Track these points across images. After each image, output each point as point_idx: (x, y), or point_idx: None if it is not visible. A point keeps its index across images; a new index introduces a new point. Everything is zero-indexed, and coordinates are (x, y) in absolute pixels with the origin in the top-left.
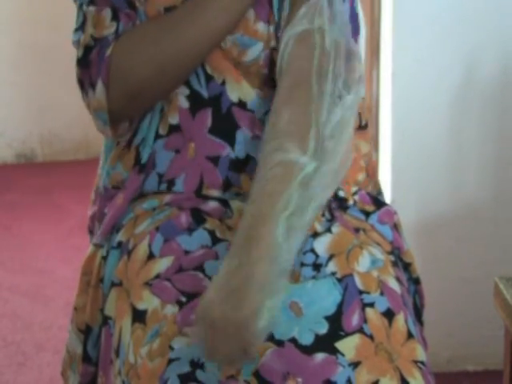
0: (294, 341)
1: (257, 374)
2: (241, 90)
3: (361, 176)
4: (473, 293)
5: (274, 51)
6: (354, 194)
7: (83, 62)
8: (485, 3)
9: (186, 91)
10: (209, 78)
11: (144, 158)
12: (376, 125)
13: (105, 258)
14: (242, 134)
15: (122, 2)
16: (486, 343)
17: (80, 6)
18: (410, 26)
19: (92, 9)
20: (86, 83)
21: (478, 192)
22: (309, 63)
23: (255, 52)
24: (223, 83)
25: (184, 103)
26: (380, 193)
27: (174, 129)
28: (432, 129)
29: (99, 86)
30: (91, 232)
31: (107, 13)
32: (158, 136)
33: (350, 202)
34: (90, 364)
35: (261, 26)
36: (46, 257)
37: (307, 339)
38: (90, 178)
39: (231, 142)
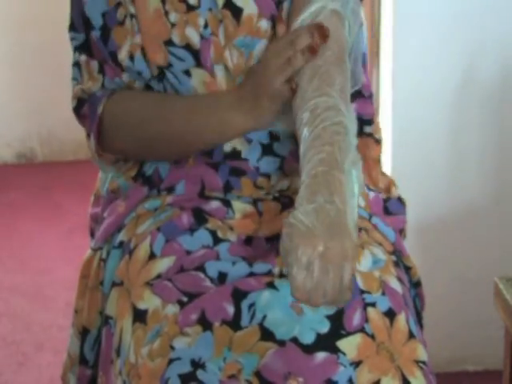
0: (295, 340)
1: (258, 374)
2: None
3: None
4: (473, 293)
5: None
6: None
7: (78, 112)
8: (485, 4)
9: None
10: None
11: (148, 171)
12: None
13: (104, 260)
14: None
15: (106, 54)
16: (486, 343)
17: (74, 51)
18: (410, 26)
19: (83, 58)
20: (85, 128)
21: (478, 192)
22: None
23: (261, 51)
24: None
25: None
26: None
27: None
28: (432, 129)
29: (92, 139)
30: (92, 234)
31: (94, 65)
32: None
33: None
34: (87, 367)
35: (263, 24)
36: (46, 257)
37: (308, 338)
38: (90, 178)
39: None
